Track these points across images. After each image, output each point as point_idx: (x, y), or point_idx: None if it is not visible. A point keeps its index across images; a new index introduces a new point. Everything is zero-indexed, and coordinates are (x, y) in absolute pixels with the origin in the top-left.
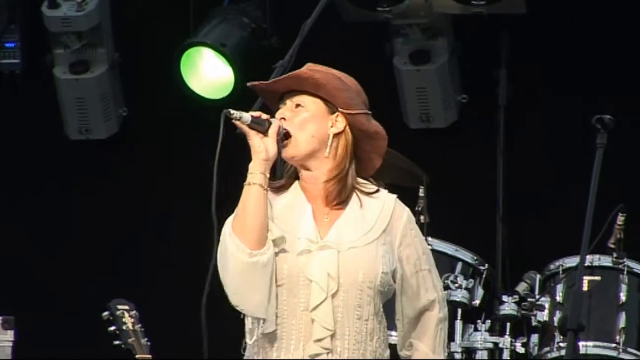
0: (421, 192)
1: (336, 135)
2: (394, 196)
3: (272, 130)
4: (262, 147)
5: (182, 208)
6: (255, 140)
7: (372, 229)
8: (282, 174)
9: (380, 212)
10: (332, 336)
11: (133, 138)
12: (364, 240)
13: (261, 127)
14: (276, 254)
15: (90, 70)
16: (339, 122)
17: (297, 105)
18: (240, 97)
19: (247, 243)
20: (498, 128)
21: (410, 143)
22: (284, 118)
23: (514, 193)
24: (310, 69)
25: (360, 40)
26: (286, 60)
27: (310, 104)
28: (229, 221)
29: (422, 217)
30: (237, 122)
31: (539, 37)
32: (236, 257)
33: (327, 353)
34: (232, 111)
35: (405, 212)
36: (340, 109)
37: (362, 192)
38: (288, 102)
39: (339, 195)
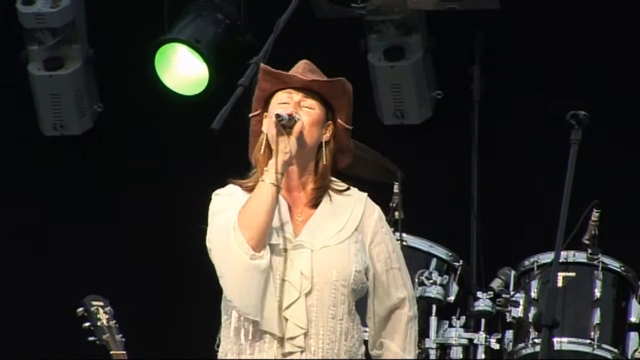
0: (396, 188)
1: (326, 143)
2: (365, 194)
3: (297, 129)
4: (288, 149)
5: (156, 203)
6: (283, 140)
7: (345, 227)
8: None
9: (352, 210)
10: (306, 335)
11: (107, 134)
12: (337, 239)
13: (290, 124)
14: None
15: (64, 67)
16: (329, 132)
17: (306, 107)
18: (214, 94)
19: (251, 242)
20: (472, 124)
21: (384, 139)
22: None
23: (489, 189)
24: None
25: (334, 36)
26: (260, 56)
27: (318, 109)
28: (221, 204)
29: (396, 213)
30: (278, 123)
31: (513, 33)
32: (239, 254)
33: (301, 352)
34: (281, 114)
35: (376, 210)
36: (339, 121)
37: (333, 190)
38: (295, 96)
39: (319, 200)
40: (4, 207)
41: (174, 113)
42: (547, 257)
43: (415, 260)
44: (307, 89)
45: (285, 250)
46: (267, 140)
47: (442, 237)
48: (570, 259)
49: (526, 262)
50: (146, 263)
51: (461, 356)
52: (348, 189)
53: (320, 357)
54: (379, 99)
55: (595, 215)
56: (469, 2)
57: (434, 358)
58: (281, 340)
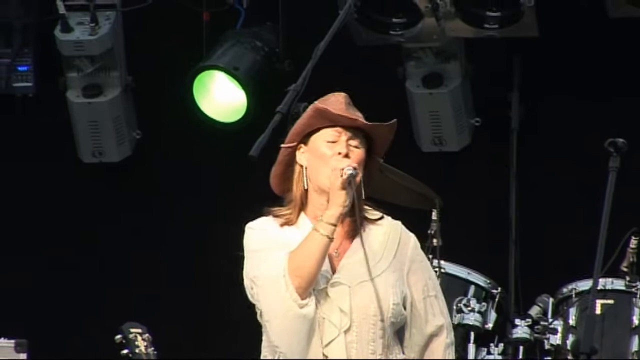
0: (434, 215)
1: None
2: (399, 222)
3: (357, 182)
4: (347, 202)
5: (195, 230)
6: (344, 194)
7: (382, 258)
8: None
9: (388, 239)
10: None
11: (146, 161)
12: (374, 272)
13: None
14: None
15: (103, 94)
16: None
17: (353, 146)
18: (252, 121)
19: (299, 290)
20: (511, 151)
21: (423, 166)
22: (347, 155)
23: (527, 216)
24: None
25: (373, 63)
26: (299, 83)
27: (362, 147)
28: (257, 242)
29: (434, 240)
30: (350, 178)
31: (552, 61)
32: (289, 303)
33: None
34: (352, 170)
35: (411, 238)
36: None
37: (368, 220)
38: (343, 136)
39: (355, 232)
40: (41, 233)
41: (212, 140)
42: (585, 285)
43: (453, 288)
44: (354, 128)
45: (324, 288)
46: (306, 176)
47: (480, 264)
48: (609, 287)
49: (564, 290)
50: (185, 288)
51: None
52: (382, 217)
53: None
54: (417, 126)
55: (633, 242)
56: (508, 30)
57: None
58: None
